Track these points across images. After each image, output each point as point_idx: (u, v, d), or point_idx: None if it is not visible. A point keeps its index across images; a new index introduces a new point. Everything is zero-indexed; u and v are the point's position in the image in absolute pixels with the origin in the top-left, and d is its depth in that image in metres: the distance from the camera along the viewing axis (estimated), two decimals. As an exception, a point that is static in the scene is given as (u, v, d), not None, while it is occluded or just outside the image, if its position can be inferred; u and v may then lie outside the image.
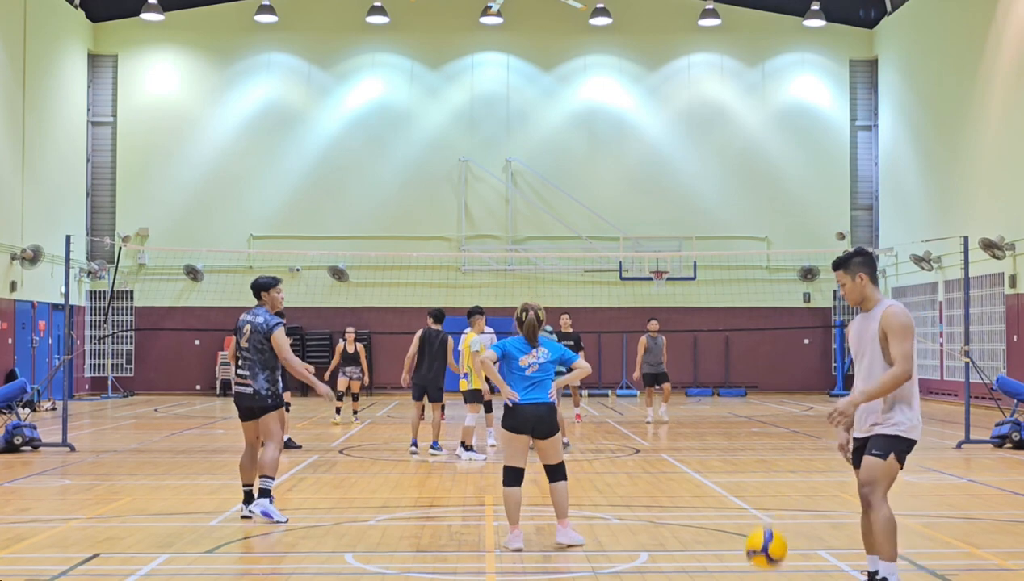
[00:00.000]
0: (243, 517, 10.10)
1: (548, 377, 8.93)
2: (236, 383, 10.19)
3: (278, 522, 9.87)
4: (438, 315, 15.90)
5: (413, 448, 15.59)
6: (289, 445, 16.19)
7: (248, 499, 10.17)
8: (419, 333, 15.74)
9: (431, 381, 15.62)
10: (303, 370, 10.26)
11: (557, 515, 8.92)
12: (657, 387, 21.19)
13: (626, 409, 25.76)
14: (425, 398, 15.78)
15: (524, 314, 9.03)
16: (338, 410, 20.97)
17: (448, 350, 15.80)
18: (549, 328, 15.64)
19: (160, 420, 22.66)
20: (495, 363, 8.92)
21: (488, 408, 16.51)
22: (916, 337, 6.64)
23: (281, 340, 10.04)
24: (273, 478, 10.06)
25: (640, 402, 28.25)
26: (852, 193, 32.57)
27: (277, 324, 10.11)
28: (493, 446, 16.28)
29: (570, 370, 9.04)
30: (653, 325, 20.95)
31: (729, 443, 17.53)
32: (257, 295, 10.33)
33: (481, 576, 7.89)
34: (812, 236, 31.60)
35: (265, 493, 10.00)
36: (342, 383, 20.91)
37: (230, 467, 14.31)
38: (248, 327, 10.17)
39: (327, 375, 20.03)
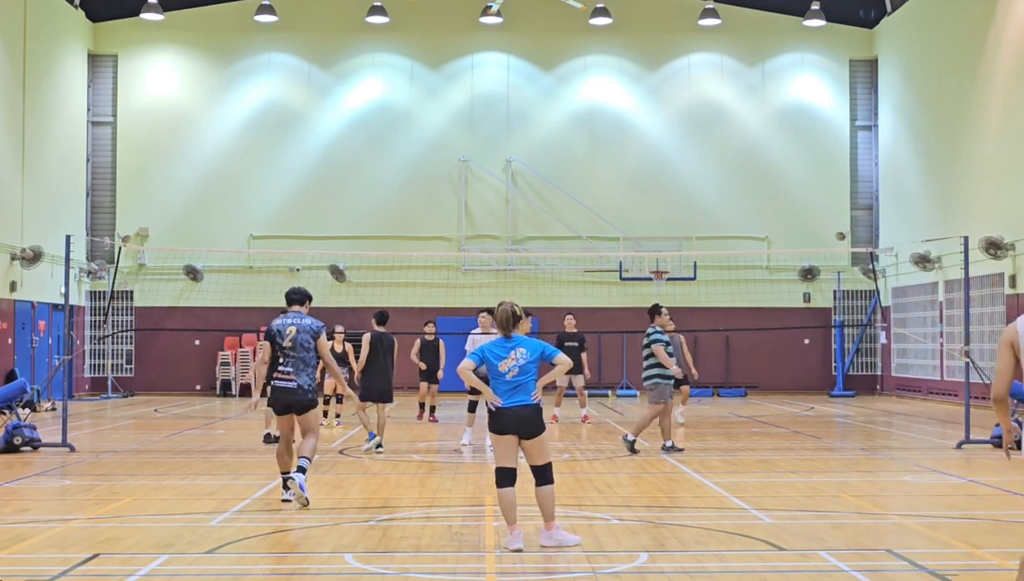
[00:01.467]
0: (283, 500, 10.96)
1: (530, 378, 8.95)
2: (278, 379, 11.00)
3: (302, 489, 10.80)
4: (382, 318, 16.35)
5: (380, 448, 15.78)
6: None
7: (287, 485, 10.91)
8: (369, 337, 16.10)
9: (385, 383, 15.96)
10: (339, 374, 11.63)
11: (543, 518, 8.94)
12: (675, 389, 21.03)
13: (627, 409, 25.76)
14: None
15: (499, 306, 9.14)
16: (338, 414, 20.84)
17: (395, 351, 16.26)
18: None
19: (160, 420, 22.66)
20: (474, 370, 8.98)
21: (471, 408, 17.02)
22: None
23: (325, 342, 11.19)
24: (311, 459, 11.01)
25: (639, 401, 28.27)
26: (852, 193, 32.57)
27: (323, 327, 11.24)
28: (465, 445, 16.47)
29: (552, 365, 9.07)
30: (669, 324, 20.82)
31: (729, 443, 17.52)
32: (300, 302, 11.39)
33: (481, 576, 7.89)
34: (812, 236, 31.58)
35: (302, 469, 10.85)
36: (328, 386, 20.40)
37: (230, 467, 14.33)
38: (293, 328, 11.07)
39: (317, 375, 19.72)
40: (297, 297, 11.39)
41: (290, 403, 11.03)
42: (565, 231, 31.67)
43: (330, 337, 16.85)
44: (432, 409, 21.66)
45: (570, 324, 21.14)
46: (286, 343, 11.01)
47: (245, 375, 30.37)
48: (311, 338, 11.04)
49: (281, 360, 11.01)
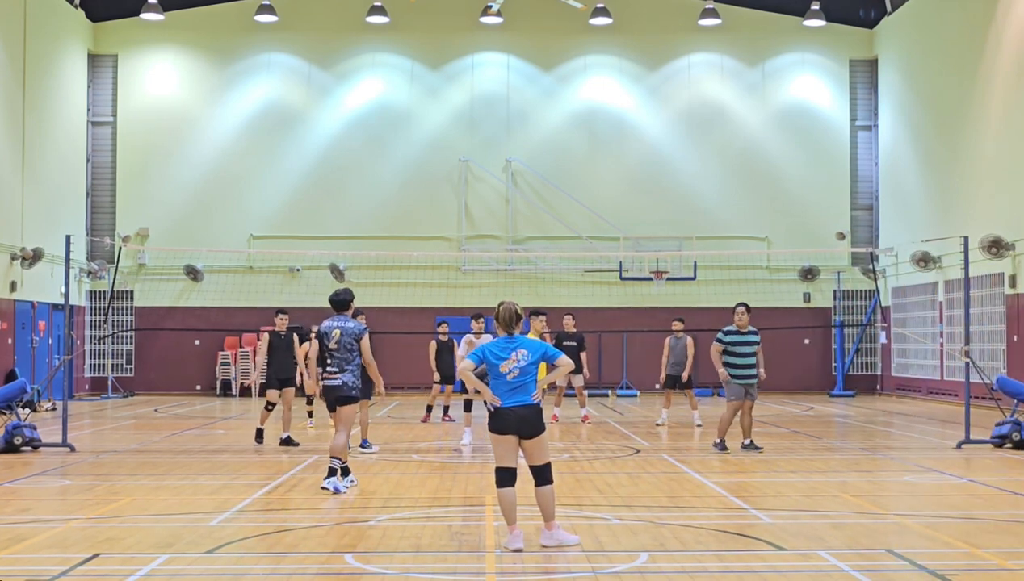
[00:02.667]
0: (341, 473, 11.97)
1: (531, 379, 8.95)
2: (325, 378, 12.10)
3: (339, 491, 11.70)
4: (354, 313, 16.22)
5: (364, 447, 15.93)
6: (288, 443, 16.55)
7: (345, 472, 11.97)
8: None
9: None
10: (377, 372, 12.37)
11: (544, 518, 8.94)
12: (677, 390, 21.03)
13: (626, 409, 25.76)
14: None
15: (500, 306, 9.16)
16: (310, 414, 20.67)
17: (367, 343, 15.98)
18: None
19: (160, 420, 22.66)
20: (474, 370, 8.98)
21: (467, 407, 17.20)
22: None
23: (367, 344, 12.13)
24: (341, 459, 11.87)
25: (640, 401, 28.29)
26: (852, 193, 32.56)
27: (365, 330, 12.20)
28: (465, 445, 16.49)
29: (554, 367, 9.07)
30: (676, 325, 20.76)
31: (729, 443, 17.49)
32: (344, 307, 12.31)
33: (481, 576, 7.89)
34: (812, 236, 31.58)
35: (333, 472, 11.79)
36: (309, 386, 18.84)
37: (230, 467, 14.34)
38: (338, 331, 12.10)
39: (298, 377, 19.02)
40: (340, 303, 12.34)
41: (336, 398, 12.04)
42: (565, 231, 31.67)
43: (303, 341, 17.69)
44: (445, 409, 21.77)
45: (569, 324, 21.12)
46: (332, 345, 12.07)
47: (246, 376, 30.40)
48: (354, 340, 12.07)
49: (328, 360, 12.08)
